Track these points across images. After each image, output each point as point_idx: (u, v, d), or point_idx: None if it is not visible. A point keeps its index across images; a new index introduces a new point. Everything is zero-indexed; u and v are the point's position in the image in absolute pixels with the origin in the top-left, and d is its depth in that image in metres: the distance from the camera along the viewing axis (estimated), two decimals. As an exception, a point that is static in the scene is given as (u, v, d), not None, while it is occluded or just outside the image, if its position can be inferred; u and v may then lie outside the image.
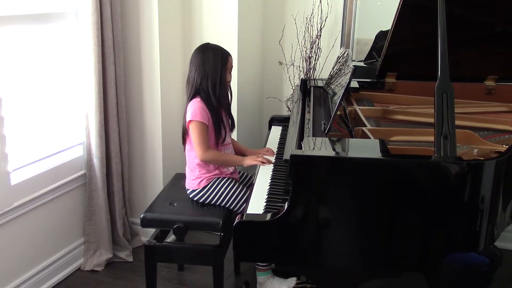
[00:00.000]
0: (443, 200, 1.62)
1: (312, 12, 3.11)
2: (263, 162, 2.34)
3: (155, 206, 2.45)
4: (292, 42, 3.23)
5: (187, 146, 2.49)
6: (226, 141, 2.50)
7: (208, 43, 2.48)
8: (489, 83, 2.61)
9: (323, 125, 2.03)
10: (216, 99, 2.40)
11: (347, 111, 2.25)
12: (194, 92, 2.41)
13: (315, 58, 3.13)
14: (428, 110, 2.29)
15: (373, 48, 3.01)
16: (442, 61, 1.72)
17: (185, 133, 2.47)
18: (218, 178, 2.46)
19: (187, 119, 2.39)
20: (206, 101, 2.39)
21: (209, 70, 2.39)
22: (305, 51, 3.14)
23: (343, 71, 2.33)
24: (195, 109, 2.37)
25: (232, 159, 2.50)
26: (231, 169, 2.53)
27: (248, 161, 2.39)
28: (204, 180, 2.45)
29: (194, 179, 2.47)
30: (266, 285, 2.49)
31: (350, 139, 1.91)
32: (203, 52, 2.42)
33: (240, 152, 2.63)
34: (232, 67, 2.48)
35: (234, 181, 2.48)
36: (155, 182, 3.06)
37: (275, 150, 2.55)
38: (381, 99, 2.61)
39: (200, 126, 2.36)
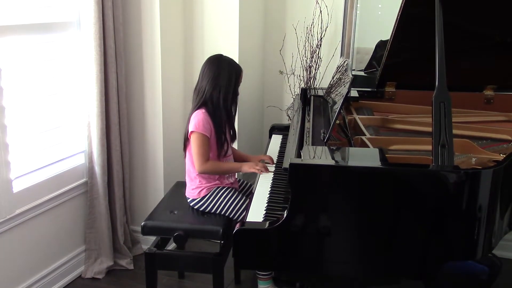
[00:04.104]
0: (441, 208, 1.63)
1: (313, 22, 3.13)
2: (261, 170, 2.34)
3: (156, 214, 2.46)
4: (293, 51, 3.25)
5: (187, 155, 2.50)
6: (227, 154, 2.51)
7: (222, 55, 2.48)
8: (488, 92, 2.63)
9: (322, 134, 2.05)
10: (226, 111, 2.41)
11: (346, 120, 2.26)
12: (202, 102, 2.41)
13: (315, 67, 3.15)
14: (427, 119, 2.30)
15: (373, 57, 3.03)
16: (440, 71, 1.74)
17: (186, 141, 2.48)
18: (218, 187, 2.47)
19: (189, 129, 2.40)
20: (212, 113, 2.39)
21: (223, 83, 2.39)
22: (306, 60, 3.17)
23: (343, 80, 2.35)
24: (198, 120, 2.37)
25: (231, 167, 2.50)
26: (231, 179, 2.54)
27: (247, 167, 2.39)
28: (204, 190, 2.46)
29: (194, 189, 2.48)
30: (267, 294, 2.50)
31: (349, 148, 1.92)
32: (218, 65, 2.41)
33: (241, 159, 2.64)
34: (241, 81, 2.50)
35: (234, 190, 2.49)
36: (156, 190, 3.08)
37: (275, 158, 2.56)
38: (381, 108, 2.63)
39: (201, 138, 2.37)
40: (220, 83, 2.39)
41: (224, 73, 2.39)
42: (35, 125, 2.51)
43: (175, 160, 3.06)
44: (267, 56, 3.45)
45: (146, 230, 2.39)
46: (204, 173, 2.42)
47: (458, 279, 1.80)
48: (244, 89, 3.12)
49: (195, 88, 2.46)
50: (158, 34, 2.83)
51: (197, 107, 2.41)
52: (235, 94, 2.45)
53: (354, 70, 3.02)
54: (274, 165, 2.48)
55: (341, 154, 1.81)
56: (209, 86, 2.39)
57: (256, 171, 2.34)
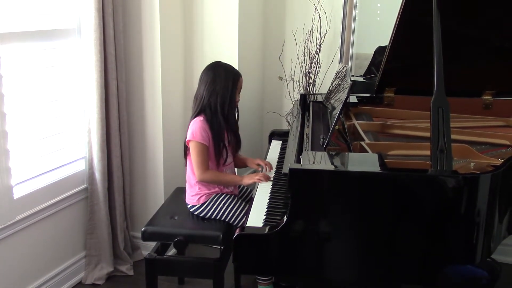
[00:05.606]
0: (440, 213, 1.64)
1: (312, 28, 3.15)
2: (260, 180, 2.34)
3: (156, 220, 2.46)
4: (292, 57, 3.27)
5: (188, 162, 2.50)
6: (227, 162, 2.51)
7: (219, 62, 2.49)
8: (487, 97, 2.64)
9: (321, 140, 2.06)
10: (224, 117, 2.40)
11: (345, 126, 2.27)
12: (200, 109, 2.41)
13: (315, 73, 3.17)
14: (425, 124, 2.31)
15: (372, 63, 3.04)
16: (438, 77, 1.76)
17: (186, 148, 2.49)
18: (217, 194, 2.47)
19: (187, 137, 2.41)
20: (211, 120, 2.39)
21: (220, 88, 2.39)
22: (305, 66, 3.18)
23: (342, 86, 2.36)
24: (195, 129, 2.38)
25: (231, 179, 2.50)
26: (230, 187, 2.55)
27: (247, 180, 2.39)
28: (204, 196, 2.46)
29: (194, 195, 2.48)
30: (267, 299, 2.50)
31: (349, 153, 1.93)
32: (214, 70, 2.42)
33: (240, 162, 2.66)
34: (241, 87, 2.50)
35: (233, 196, 2.50)
36: (156, 196, 3.08)
37: (274, 164, 2.57)
38: (380, 113, 2.64)
39: (199, 146, 2.37)
40: (216, 89, 2.39)
41: (220, 79, 2.40)
42: (36, 131, 2.52)
43: (175, 166, 3.07)
44: (266, 62, 3.47)
45: (146, 236, 2.39)
46: (204, 182, 2.43)
47: (458, 283, 1.80)
48: (244, 95, 3.14)
49: (195, 95, 2.47)
50: (158, 40, 2.85)
51: (195, 114, 2.42)
52: (233, 100, 2.44)
53: (353, 76, 3.04)
54: (274, 170, 2.48)
55: (341, 159, 1.82)
56: (206, 93, 2.40)
57: (257, 181, 2.35)
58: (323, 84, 3.21)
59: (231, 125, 2.48)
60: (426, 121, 2.28)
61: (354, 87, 2.30)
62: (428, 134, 1.75)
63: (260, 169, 2.55)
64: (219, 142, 2.42)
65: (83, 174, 2.84)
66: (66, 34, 2.64)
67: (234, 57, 3.04)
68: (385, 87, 2.67)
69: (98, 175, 2.78)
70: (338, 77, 2.56)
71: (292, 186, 1.66)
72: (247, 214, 2.03)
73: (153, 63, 2.89)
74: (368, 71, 3.05)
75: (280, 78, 3.32)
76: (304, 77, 3.20)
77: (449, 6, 1.95)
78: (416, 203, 1.65)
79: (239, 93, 2.48)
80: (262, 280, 2.52)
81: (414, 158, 2.04)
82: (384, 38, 2.48)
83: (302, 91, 3.19)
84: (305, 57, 3.18)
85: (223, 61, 2.51)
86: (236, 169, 2.71)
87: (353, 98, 2.71)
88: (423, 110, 2.49)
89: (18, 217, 2.43)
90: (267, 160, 2.63)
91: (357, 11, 3.11)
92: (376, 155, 1.80)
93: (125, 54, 2.87)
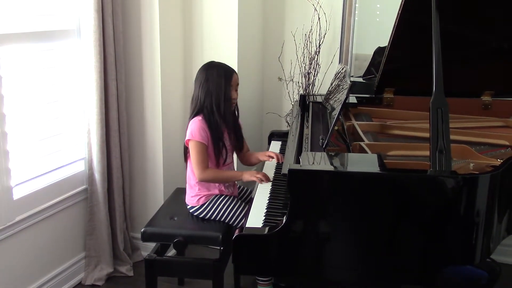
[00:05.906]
0: (439, 213, 1.64)
1: (311, 29, 3.15)
2: (261, 180, 2.34)
3: (156, 221, 2.47)
4: (291, 58, 3.27)
5: (188, 162, 2.50)
6: (227, 161, 2.51)
7: (213, 61, 2.50)
8: (486, 98, 2.64)
9: (321, 140, 2.06)
10: (221, 116, 2.40)
11: (345, 126, 2.27)
12: (198, 109, 2.42)
13: (314, 74, 3.17)
14: (424, 125, 2.31)
15: (371, 64, 3.04)
16: (437, 77, 1.76)
17: (186, 151, 2.49)
18: (217, 195, 2.47)
19: (186, 137, 2.41)
20: (209, 120, 2.39)
21: (213, 87, 2.39)
22: (304, 67, 3.18)
23: (341, 86, 2.36)
24: (194, 128, 2.38)
25: (231, 175, 2.50)
26: (231, 188, 2.55)
27: (247, 176, 2.39)
28: (203, 198, 2.46)
29: (193, 196, 2.48)
30: (267, 299, 2.50)
31: (348, 154, 1.94)
32: (207, 70, 2.43)
33: (250, 159, 2.64)
34: (237, 84, 2.49)
35: (233, 197, 2.50)
36: (155, 197, 3.08)
37: (274, 165, 2.56)
38: (379, 114, 2.64)
39: (198, 146, 2.37)
40: (210, 89, 2.39)
41: (212, 78, 2.40)
42: (35, 132, 2.52)
43: (175, 166, 3.07)
44: (266, 63, 3.47)
45: (146, 236, 2.39)
46: (204, 181, 2.43)
47: (457, 284, 1.81)
48: (244, 95, 3.14)
49: (192, 97, 2.48)
50: (158, 41, 2.85)
51: (193, 114, 2.43)
52: (228, 98, 2.42)
53: (352, 76, 3.04)
54: (274, 171, 2.48)
55: (340, 160, 1.82)
56: (201, 93, 2.41)
57: (256, 179, 2.34)
58: (322, 85, 3.21)
59: (229, 124, 2.48)
60: (426, 121, 2.28)
61: (354, 87, 2.30)
62: (427, 135, 1.75)
63: (271, 160, 2.54)
64: (218, 141, 2.42)
65: (82, 175, 2.84)
66: (66, 35, 2.64)
67: (234, 57, 3.04)
68: (384, 87, 2.67)
69: (97, 176, 2.78)
70: (338, 78, 2.56)
71: (292, 187, 1.67)
72: (246, 214, 2.03)
73: (152, 64, 2.89)
74: (368, 71, 3.05)
75: (280, 79, 3.32)
76: (303, 78, 3.19)
77: (449, 7, 1.95)
78: (415, 203, 1.65)
79: (235, 90, 2.48)
80: (262, 280, 2.52)
81: (413, 159, 2.04)
82: (383, 38, 2.48)
83: (301, 92, 3.19)
84: (305, 58, 3.18)
85: (223, 61, 2.52)
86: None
87: (352, 99, 2.71)
88: (422, 110, 2.49)
89: (18, 218, 2.43)
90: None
91: (356, 12, 3.11)
92: (375, 156, 1.80)
93: (125, 55, 2.87)
